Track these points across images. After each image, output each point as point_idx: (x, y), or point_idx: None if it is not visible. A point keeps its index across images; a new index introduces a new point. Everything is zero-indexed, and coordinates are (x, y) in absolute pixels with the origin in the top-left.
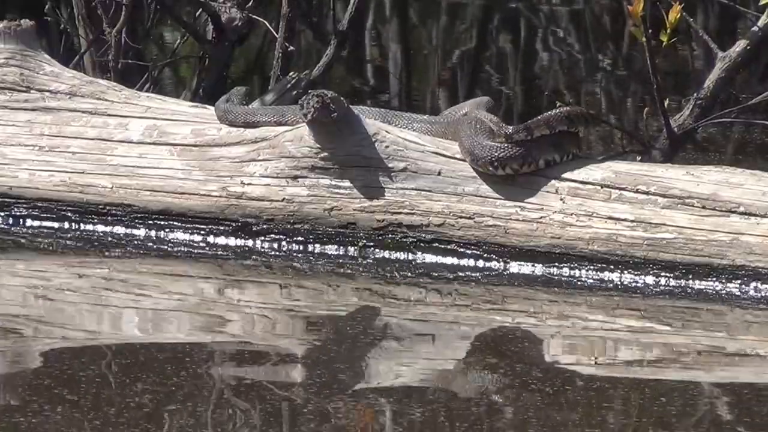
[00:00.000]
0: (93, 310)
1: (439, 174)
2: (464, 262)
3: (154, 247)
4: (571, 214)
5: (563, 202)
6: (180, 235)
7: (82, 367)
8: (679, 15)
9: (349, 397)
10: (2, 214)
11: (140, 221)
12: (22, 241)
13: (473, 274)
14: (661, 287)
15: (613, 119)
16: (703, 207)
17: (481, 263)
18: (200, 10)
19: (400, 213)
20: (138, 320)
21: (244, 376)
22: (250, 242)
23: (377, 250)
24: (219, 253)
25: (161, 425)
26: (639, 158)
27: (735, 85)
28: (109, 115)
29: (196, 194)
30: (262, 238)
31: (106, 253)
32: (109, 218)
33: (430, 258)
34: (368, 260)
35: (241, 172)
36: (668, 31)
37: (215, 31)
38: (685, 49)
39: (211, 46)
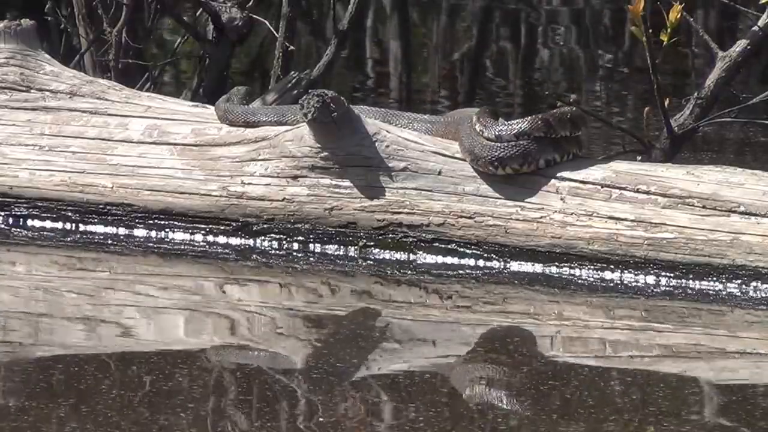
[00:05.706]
0: (93, 309)
1: (439, 173)
2: (465, 261)
3: (155, 246)
4: (572, 214)
5: (563, 202)
6: (180, 235)
7: (82, 367)
8: (679, 15)
9: (348, 396)
10: (2, 213)
11: (140, 221)
12: (23, 241)
13: (474, 274)
14: (662, 287)
15: (614, 119)
16: (704, 207)
17: (481, 263)
18: (200, 10)
19: (400, 213)
20: (138, 320)
21: (243, 375)
22: (250, 242)
23: (377, 249)
24: (219, 252)
25: (161, 424)
26: (639, 158)
27: (735, 85)
28: (109, 114)
29: (197, 194)
30: (263, 237)
31: (107, 253)
32: (110, 218)
33: (430, 258)
34: (368, 260)
35: (242, 171)
36: (668, 30)
37: (215, 31)
38: (685, 49)
39: (211, 45)
